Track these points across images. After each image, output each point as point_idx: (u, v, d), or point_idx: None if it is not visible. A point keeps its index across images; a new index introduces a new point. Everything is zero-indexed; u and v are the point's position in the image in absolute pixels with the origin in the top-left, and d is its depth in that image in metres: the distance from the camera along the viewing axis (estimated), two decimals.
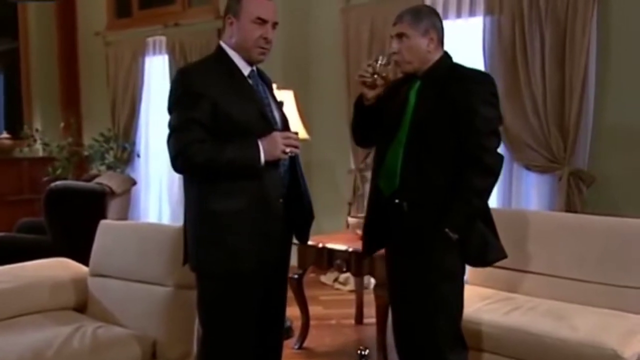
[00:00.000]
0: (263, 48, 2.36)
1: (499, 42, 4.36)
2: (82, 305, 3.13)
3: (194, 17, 6.28)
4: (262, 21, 2.34)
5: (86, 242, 4.16)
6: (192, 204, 2.38)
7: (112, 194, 4.26)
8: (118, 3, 7.00)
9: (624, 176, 4.02)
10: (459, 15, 4.59)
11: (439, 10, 4.61)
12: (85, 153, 6.65)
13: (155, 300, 2.86)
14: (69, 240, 4.15)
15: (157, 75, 6.58)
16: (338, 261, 3.60)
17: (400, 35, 2.49)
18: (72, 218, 4.17)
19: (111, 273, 3.05)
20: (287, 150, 2.31)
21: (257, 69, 2.47)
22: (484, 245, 2.49)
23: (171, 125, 2.30)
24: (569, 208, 4.06)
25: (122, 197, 4.53)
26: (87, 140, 6.90)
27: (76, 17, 7.44)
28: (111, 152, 6.65)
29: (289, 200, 2.43)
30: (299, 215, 2.49)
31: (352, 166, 5.19)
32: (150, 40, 6.54)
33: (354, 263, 3.54)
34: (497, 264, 3.41)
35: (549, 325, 2.78)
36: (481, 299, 3.19)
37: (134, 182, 4.65)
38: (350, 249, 3.51)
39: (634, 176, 3.98)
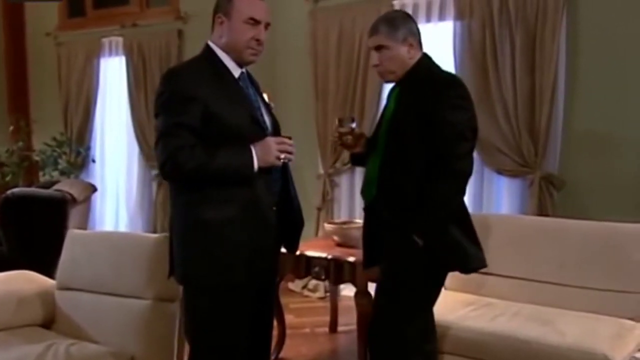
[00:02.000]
0: (255, 49, 2.26)
1: (470, 47, 4.37)
2: (49, 321, 2.96)
3: (152, 17, 6.10)
4: (255, 22, 2.24)
5: (46, 253, 3.98)
6: (179, 213, 2.26)
7: (74, 201, 4.05)
8: (70, 2, 6.72)
9: (592, 180, 4.08)
10: (428, 19, 4.58)
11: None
12: (37, 158, 6.34)
13: (132, 314, 2.71)
14: (27, 251, 3.93)
15: (113, 77, 6.35)
16: (316, 269, 3.51)
17: (379, 48, 2.47)
18: (30, 227, 3.94)
19: (81, 286, 2.88)
20: (282, 156, 2.22)
21: (246, 70, 2.36)
22: (458, 252, 2.43)
23: (159, 130, 2.17)
24: (541, 212, 4.09)
25: (83, 204, 4.31)
26: (37, 145, 6.58)
27: (24, 16, 7.11)
28: (64, 157, 6.36)
29: (280, 208, 2.33)
30: (289, 223, 2.39)
31: (321, 171, 5.11)
32: (105, 40, 6.31)
33: (332, 271, 3.46)
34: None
35: (536, 331, 2.77)
36: (463, 305, 3.17)
37: (94, 189, 4.44)
38: (329, 257, 3.43)
39: (602, 180, 4.04)
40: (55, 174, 6.22)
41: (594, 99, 4.05)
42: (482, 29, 4.30)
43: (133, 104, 6.08)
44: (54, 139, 6.34)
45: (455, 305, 3.17)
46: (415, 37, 2.48)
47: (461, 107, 2.37)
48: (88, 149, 6.41)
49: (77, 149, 6.39)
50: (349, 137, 2.55)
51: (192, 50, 5.74)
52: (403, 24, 2.47)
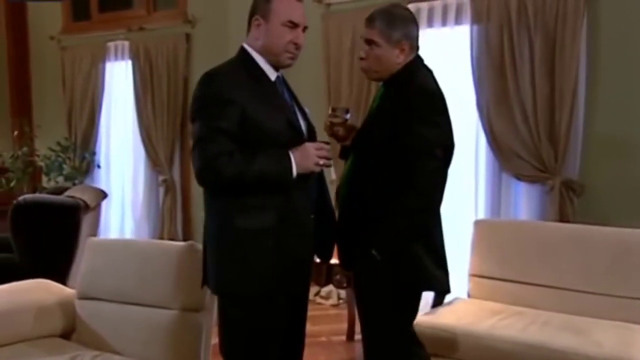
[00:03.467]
0: (292, 53, 2.20)
1: (487, 51, 4.31)
2: (69, 332, 2.87)
3: (159, 21, 6.02)
4: (293, 25, 2.17)
5: (59, 260, 3.91)
6: (214, 220, 2.18)
7: (86, 207, 3.96)
8: (75, 6, 6.64)
9: (613, 186, 4.02)
10: (444, 23, 4.52)
11: (423, 19, 4.55)
12: (41, 163, 6.24)
13: (157, 325, 2.64)
14: (39, 258, 3.83)
15: (119, 81, 6.27)
16: (337, 276, 3.45)
17: (369, 42, 2.36)
18: (42, 234, 3.85)
19: (103, 295, 2.79)
20: (321, 162, 2.15)
21: (282, 74, 2.30)
22: (418, 270, 2.27)
23: (196, 135, 2.09)
24: (561, 218, 4.03)
25: (94, 211, 4.23)
26: (40, 150, 6.48)
27: (27, 19, 7.02)
28: (69, 163, 6.27)
29: (316, 216, 2.26)
30: (324, 231, 2.32)
31: (334, 176, 5.03)
32: (111, 44, 6.23)
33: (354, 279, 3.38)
34: (500, 276, 3.41)
35: (571, 340, 2.71)
36: (490, 314, 3.11)
37: (105, 195, 4.35)
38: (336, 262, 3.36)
39: (623, 186, 3.99)
40: (60, 179, 6.13)
41: (615, 103, 4.00)
42: (499, 32, 4.25)
43: (140, 108, 6.00)
44: (59, 144, 6.25)
45: (481, 314, 3.11)
46: (410, 41, 2.34)
47: (432, 122, 2.22)
48: (93, 154, 6.32)
49: (82, 154, 6.30)
50: (340, 128, 2.41)
51: (200, 54, 5.79)
52: (401, 26, 2.32)
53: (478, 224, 3.59)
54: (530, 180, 4.24)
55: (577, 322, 2.92)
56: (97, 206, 4.26)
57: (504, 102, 4.24)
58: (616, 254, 3.09)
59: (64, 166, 6.21)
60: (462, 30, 4.46)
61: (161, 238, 5.82)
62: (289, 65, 2.24)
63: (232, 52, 6.08)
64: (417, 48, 2.40)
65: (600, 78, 4.04)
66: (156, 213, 6.07)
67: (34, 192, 5.90)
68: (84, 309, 2.83)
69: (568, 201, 4.06)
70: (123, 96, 6.22)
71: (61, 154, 6.22)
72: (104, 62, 6.27)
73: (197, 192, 5.95)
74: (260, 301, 2.14)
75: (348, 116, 2.46)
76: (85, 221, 4.02)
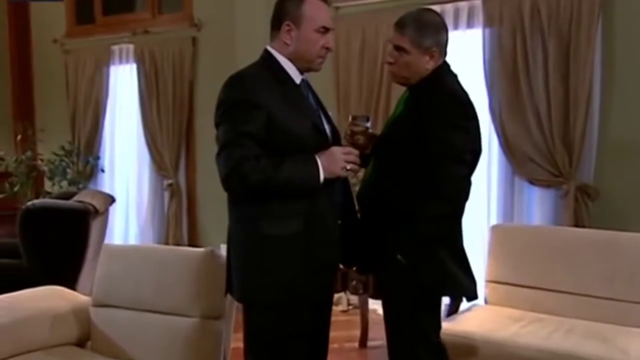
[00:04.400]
0: (324, 57, 2.18)
1: (500, 54, 4.28)
2: (84, 340, 2.83)
3: (165, 24, 5.97)
4: (325, 30, 2.14)
5: (68, 266, 3.85)
6: (239, 227, 2.14)
7: (96, 212, 3.91)
8: (79, 9, 6.58)
9: (629, 191, 3.99)
10: (456, 26, 4.48)
11: None
12: (44, 168, 6.18)
13: (175, 332, 2.59)
14: (48, 264, 3.78)
15: (123, 85, 6.20)
16: (354, 283, 3.39)
17: (398, 48, 2.30)
18: (52, 240, 3.79)
19: (120, 303, 2.74)
20: (348, 167, 2.11)
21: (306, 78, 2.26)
22: (445, 276, 2.24)
23: (222, 140, 2.05)
24: (576, 223, 4.00)
25: (102, 216, 4.17)
26: (44, 155, 6.41)
27: (30, 22, 6.96)
28: (73, 167, 6.20)
29: (342, 221, 2.22)
30: (349, 236, 2.27)
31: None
32: (116, 48, 6.17)
33: (372, 284, 3.34)
34: (518, 282, 3.37)
35: (598, 349, 2.68)
36: (512, 321, 3.07)
37: (113, 200, 4.30)
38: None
39: (638, 191, 3.96)
40: (64, 184, 6.06)
41: (630, 107, 3.97)
42: (512, 36, 4.22)
43: (145, 112, 5.94)
44: (62, 148, 6.18)
45: (503, 320, 3.07)
46: (441, 48, 2.31)
47: (461, 128, 2.19)
48: (97, 158, 6.25)
49: (86, 158, 6.23)
50: (361, 137, 2.33)
51: (207, 58, 5.74)
52: (433, 34, 2.28)
53: (495, 229, 3.56)
54: (544, 184, 4.20)
55: (600, 330, 2.89)
56: (106, 211, 4.21)
57: (516, 106, 4.21)
58: (638, 260, 3.04)
59: (68, 170, 6.14)
60: (474, 34, 4.42)
61: (166, 243, 5.77)
62: (319, 70, 2.22)
63: (239, 56, 6.10)
64: (446, 53, 2.36)
65: (614, 82, 4.01)
66: (161, 218, 6.01)
67: (37, 197, 5.84)
68: (99, 316, 2.78)
69: (583, 206, 4.03)
70: (128, 100, 6.15)
71: (65, 158, 6.15)
72: (108, 66, 6.21)
73: (203, 197, 5.93)
74: (287, 309, 2.10)
75: (368, 124, 2.39)
76: (95, 226, 3.97)
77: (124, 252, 2.89)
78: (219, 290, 2.55)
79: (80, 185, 6.10)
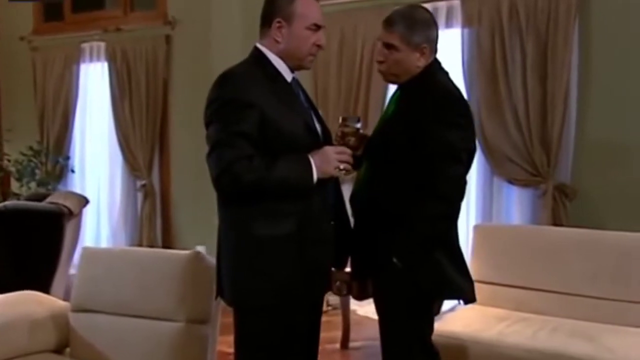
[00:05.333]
0: (314, 55, 2.14)
1: (479, 55, 4.30)
2: (62, 346, 2.73)
3: (137, 22, 5.86)
4: (317, 27, 2.11)
5: (42, 270, 3.73)
6: (230, 228, 2.08)
7: (70, 214, 3.79)
8: (46, 5, 6.41)
9: (605, 190, 4.04)
10: None
11: None
12: (12, 169, 6.00)
13: (160, 338, 2.52)
14: (22, 268, 3.65)
15: (94, 83, 6.08)
16: (338, 283, 3.35)
17: (388, 46, 2.26)
18: (25, 243, 3.66)
19: (101, 308, 2.65)
20: (342, 166, 2.07)
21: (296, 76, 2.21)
22: (442, 278, 2.20)
23: (213, 139, 1.99)
24: (554, 222, 4.03)
25: (76, 218, 4.06)
26: (11, 155, 6.23)
27: None
28: (41, 167, 6.04)
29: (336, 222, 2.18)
30: (341, 238, 2.23)
31: None
32: (86, 46, 6.04)
33: (356, 286, 3.30)
34: (502, 281, 3.37)
35: (584, 347, 2.68)
36: (497, 320, 3.07)
37: (86, 201, 4.18)
38: (348, 270, 3.28)
39: (615, 190, 4.01)
40: (33, 185, 5.90)
41: (607, 108, 4.03)
42: (491, 36, 4.24)
43: (117, 111, 5.83)
44: (31, 148, 6.02)
45: (488, 320, 3.07)
46: (431, 44, 2.27)
47: (457, 126, 2.15)
48: (67, 158, 6.11)
49: (55, 158, 6.07)
50: (352, 138, 2.26)
51: (181, 56, 5.64)
52: (422, 29, 2.24)
53: (478, 228, 3.56)
54: (523, 184, 4.23)
55: (585, 328, 2.90)
56: (79, 213, 4.09)
57: (495, 106, 4.23)
58: (621, 258, 3.07)
59: (37, 171, 5.98)
60: (452, 34, 4.43)
61: (139, 245, 5.66)
62: (309, 68, 2.18)
63: (215, 54, 6.02)
64: (436, 50, 2.33)
65: (591, 83, 4.06)
66: (134, 219, 5.90)
67: (5, 198, 5.67)
68: (79, 321, 2.69)
69: (561, 205, 4.07)
70: (99, 99, 6.03)
71: (33, 159, 6.00)
72: (78, 64, 6.07)
73: (178, 198, 5.83)
74: (280, 312, 2.05)
75: (359, 125, 2.34)
76: (69, 229, 3.85)
77: (105, 255, 2.80)
78: (206, 293, 2.51)
79: (50, 187, 5.95)
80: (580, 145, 4.09)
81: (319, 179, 2.04)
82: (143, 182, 5.74)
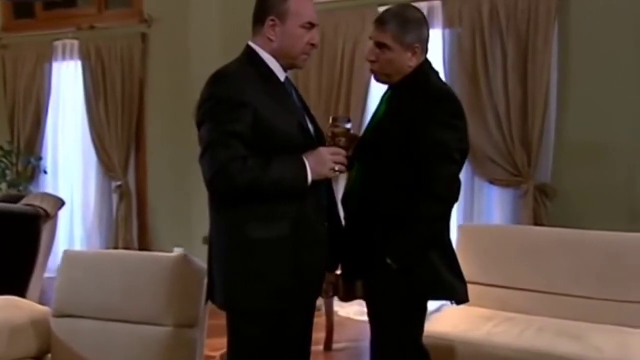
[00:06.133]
0: (308, 54, 2.10)
1: (460, 56, 4.32)
2: (44, 353, 2.64)
3: (112, 20, 5.75)
4: (312, 26, 2.06)
5: (18, 273, 3.63)
6: (223, 231, 2.04)
7: (47, 216, 3.69)
8: (17, 3, 6.25)
9: (584, 190, 4.10)
10: None
11: None
12: None
13: (147, 343, 2.46)
14: None
15: (67, 82, 5.94)
16: (324, 285, 3.32)
17: (380, 45, 2.24)
18: (1, 246, 3.55)
19: (85, 313, 2.58)
20: (337, 168, 2.04)
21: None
22: (436, 279, 2.19)
23: (206, 140, 1.94)
24: (535, 222, 4.07)
25: (53, 220, 3.95)
26: None
27: None
28: (12, 168, 5.89)
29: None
30: (333, 240, 2.20)
31: None
32: (58, 44, 5.90)
33: (342, 287, 3.28)
34: (487, 281, 3.38)
35: (572, 346, 2.70)
36: (483, 320, 3.07)
37: (63, 203, 4.07)
38: (339, 272, 3.25)
39: (594, 190, 4.07)
40: (4, 186, 5.75)
41: (585, 109, 4.08)
42: (472, 37, 4.27)
43: (91, 111, 5.71)
44: (1, 148, 5.86)
45: (475, 320, 3.07)
46: (423, 44, 2.27)
47: (451, 126, 2.13)
48: (39, 159, 5.96)
49: (27, 159, 5.92)
50: (343, 139, 2.21)
51: (158, 55, 5.55)
52: (415, 29, 2.24)
53: (462, 229, 3.56)
54: (504, 184, 4.27)
55: (571, 327, 2.91)
56: (56, 215, 3.99)
57: (476, 106, 4.25)
58: (605, 258, 3.10)
59: (7, 172, 5.83)
60: (433, 35, 4.41)
61: (115, 247, 5.55)
62: (302, 67, 2.15)
63: (193, 53, 5.92)
64: (428, 50, 2.32)
65: (571, 84, 4.11)
66: (109, 221, 5.79)
67: None
68: (61, 327, 2.60)
69: (542, 205, 4.11)
70: (73, 98, 5.91)
71: (4, 159, 5.85)
72: (50, 62, 5.94)
73: (154, 199, 5.74)
74: (275, 316, 2.01)
75: (349, 125, 2.30)
76: (45, 231, 3.75)
77: (88, 258, 2.72)
78: (194, 296, 2.46)
79: (21, 188, 5.81)
80: (560, 146, 4.14)
81: (313, 181, 2.00)
82: (118, 183, 5.64)
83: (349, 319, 4.52)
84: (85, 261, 2.67)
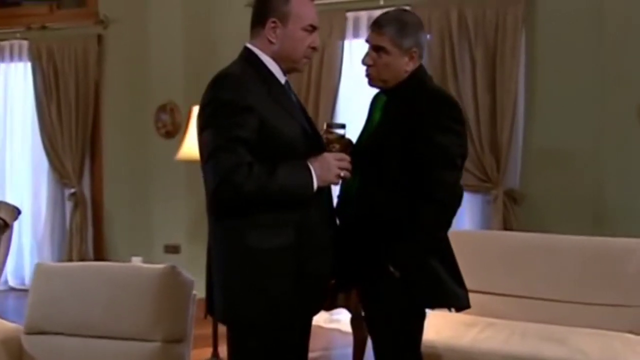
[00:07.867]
0: (309, 57, 2.06)
1: (428, 62, 4.31)
2: None
3: (65, 20, 5.51)
4: (313, 28, 2.01)
5: None
6: (223, 241, 1.95)
7: (6, 226, 3.47)
8: None
9: (551, 195, 4.18)
10: None
11: (363, 28, 4.49)
12: None
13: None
14: None
15: (15, 84, 5.67)
16: None
17: (378, 49, 2.21)
18: None
19: (62, 329, 2.44)
20: (342, 174, 1.99)
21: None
22: (438, 287, 2.18)
23: (209, 146, 1.85)
24: (505, 227, 4.12)
25: (8, 230, 3.72)
26: None
27: None
28: None
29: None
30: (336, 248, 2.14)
31: None
32: (5, 44, 5.63)
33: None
34: (468, 287, 3.37)
35: (558, 351, 2.72)
36: (466, 326, 3.07)
37: (19, 212, 3.85)
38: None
39: (560, 195, 4.15)
40: None
41: (552, 115, 4.17)
42: (441, 43, 4.29)
43: (42, 115, 5.45)
44: None
45: (457, 327, 3.06)
46: (420, 49, 2.25)
47: (453, 131, 2.12)
48: None
49: None
50: (337, 145, 2.17)
51: (115, 58, 5.36)
52: (413, 33, 2.21)
53: None
54: (474, 190, 4.29)
55: (553, 331, 2.94)
56: (11, 225, 3.76)
57: None
58: (581, 262, 3.15)
59: None
60: None
61: (69, 259, 5.29)
62: (301, 71, 2.10)
63: (153, 54, 5.73)
64: (422, 55, 2.30)
65: (537, 91, 4.20)
66: (62, 231, 5.53)
67: None
68: (34, 345, 2.46)
69: (511, 210, 4.16)
70: (21, 101, 5.63)
71: None
72: None
73: (111, 207, 5.51)
74: (277, 328, 1.94)
75: (344, 132, 2.25)
76: (3, 242, 3.53)
77: (64, 271, 2.56)
78: (182, 310, 2.36)
79: None
80: (528, 152, 4.21)
81: (318, 187, 1.94)
82: (72, 190, 5.40)
83: (319, 327, 4.45)
84: (62, 274, 2.52)
